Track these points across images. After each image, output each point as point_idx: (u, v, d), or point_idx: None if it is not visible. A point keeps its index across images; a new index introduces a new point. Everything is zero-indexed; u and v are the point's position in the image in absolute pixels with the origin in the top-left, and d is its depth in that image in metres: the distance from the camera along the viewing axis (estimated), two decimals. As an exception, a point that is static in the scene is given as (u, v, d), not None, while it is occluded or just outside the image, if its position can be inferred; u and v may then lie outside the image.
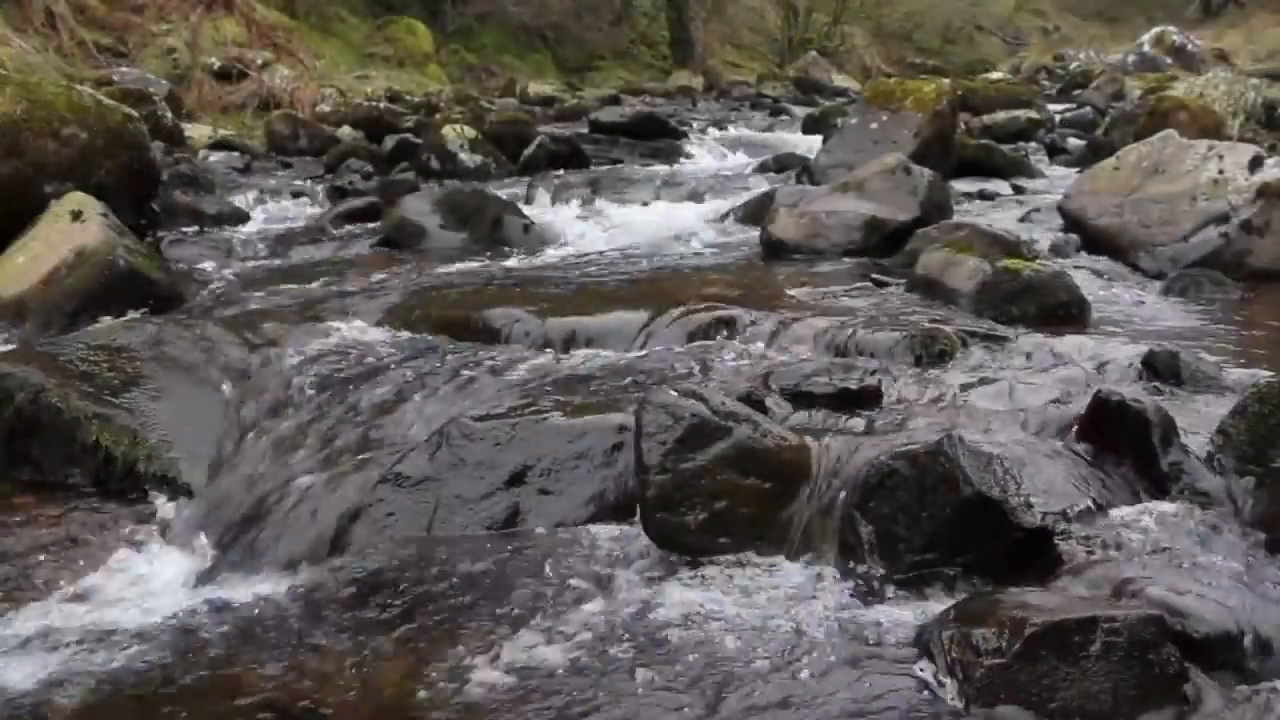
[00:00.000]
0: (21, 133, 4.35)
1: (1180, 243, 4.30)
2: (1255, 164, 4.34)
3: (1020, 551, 2.01)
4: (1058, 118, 10.72)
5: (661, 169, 7.80)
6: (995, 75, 19.26)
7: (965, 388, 2.81)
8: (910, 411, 2.68)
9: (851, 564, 2.10)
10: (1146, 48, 20.13)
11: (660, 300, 3.71)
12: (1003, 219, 5.13)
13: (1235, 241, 4.20)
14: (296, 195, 6.59)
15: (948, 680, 1.70)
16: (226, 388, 3.09)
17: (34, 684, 1.88)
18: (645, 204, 6.17)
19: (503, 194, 5.96)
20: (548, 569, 2.15)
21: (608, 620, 1.96)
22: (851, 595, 2.00)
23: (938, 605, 1.92)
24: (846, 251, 4.57)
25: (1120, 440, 2.36)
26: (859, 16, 27.97)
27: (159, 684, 1.86)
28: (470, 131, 7.66)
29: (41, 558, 2.38)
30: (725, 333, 3.35)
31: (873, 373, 2.82)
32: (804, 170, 6.66)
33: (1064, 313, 3.55)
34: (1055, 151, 8.40)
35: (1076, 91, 15.23)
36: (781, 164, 7.45)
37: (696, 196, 6.34)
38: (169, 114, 8.44)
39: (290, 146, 8.78)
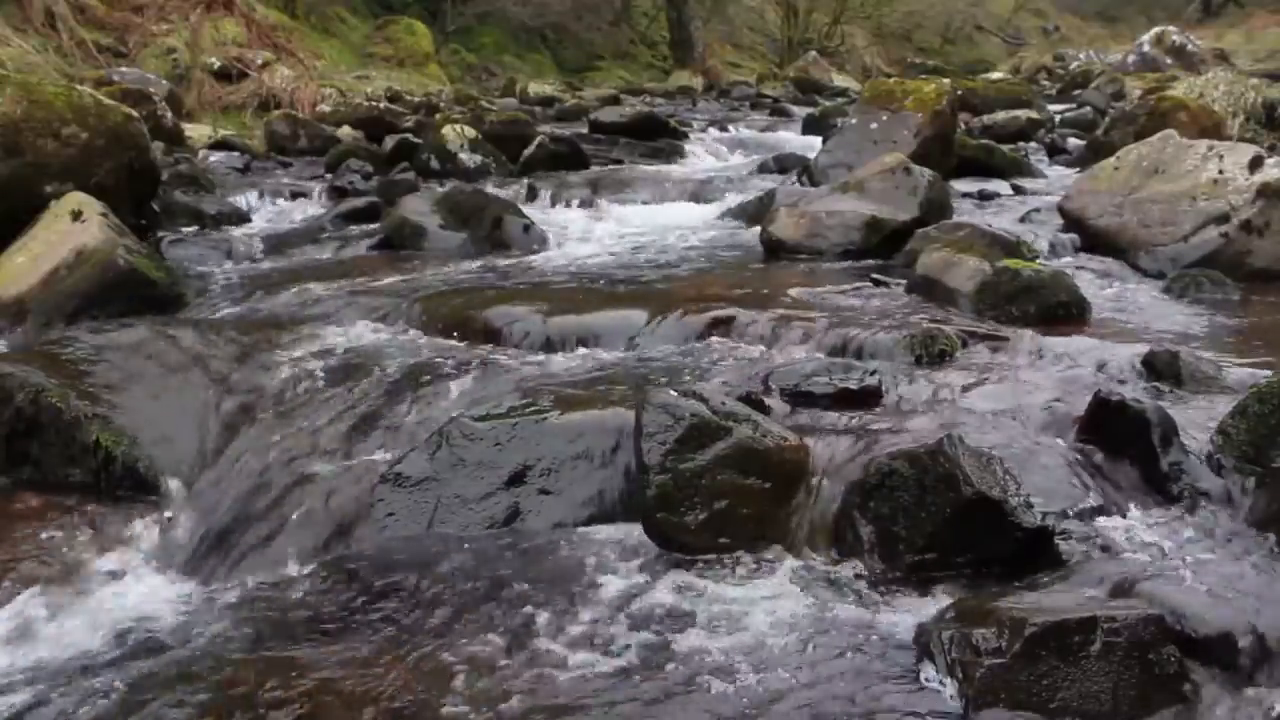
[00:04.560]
0: (22, 133, 4.34)
1: (1180, 243, 4.30)
2: (1255, 164, 4.34)
3: (1020, 551, 2.02)
4: (1058, 118, 10.71)
5: (661, 169, 7.80)
6: (995, 75, 19.25)
7: (965, 388, 2.81)
8: (910, 411, 2.68)
9: (851, 564, 2.10)
10: (1146, 48, 20.10)
11: (660, 300, 3.71)
12: (1003, 219, 5.13)
13: (1235, 241, 4.20)
14: (296, 195, 6.58)
15: (948, 680, 1.70)
16: (226, 387, 3.09)
17: (33, 682, 1.88)
18: (645, 204, 6.17)
19: (503, 194, 5.96)
20: (547, 569, 2.15)
21: (607, 620, 1.97)
22: (851, 595, 2.00)
23: (938, 605, 1.93)
24: (846, 251, 4.57)
25: (1120, 440, 2.36)
26: (859, 16, 27.95)
27: (158, 682, 1.86)
28: (470, 131, 7.65)
29: (41, 557, 2.38)
30: (725, 333, 3.35)
31: (873, 373, 2.83)
32: (804, 170, 6.65)
33: (1064, 313, 3.55)
34: (1055, 151, 8.39)
35: (1076, 91, 15.21)
36: (781, 164, 7.44)
37: (696, 196, 6.34)
38: (169, 114, 8.42)
39: (290, 146, 8.77)
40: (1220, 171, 4.36)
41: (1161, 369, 2.85)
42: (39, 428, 2.74)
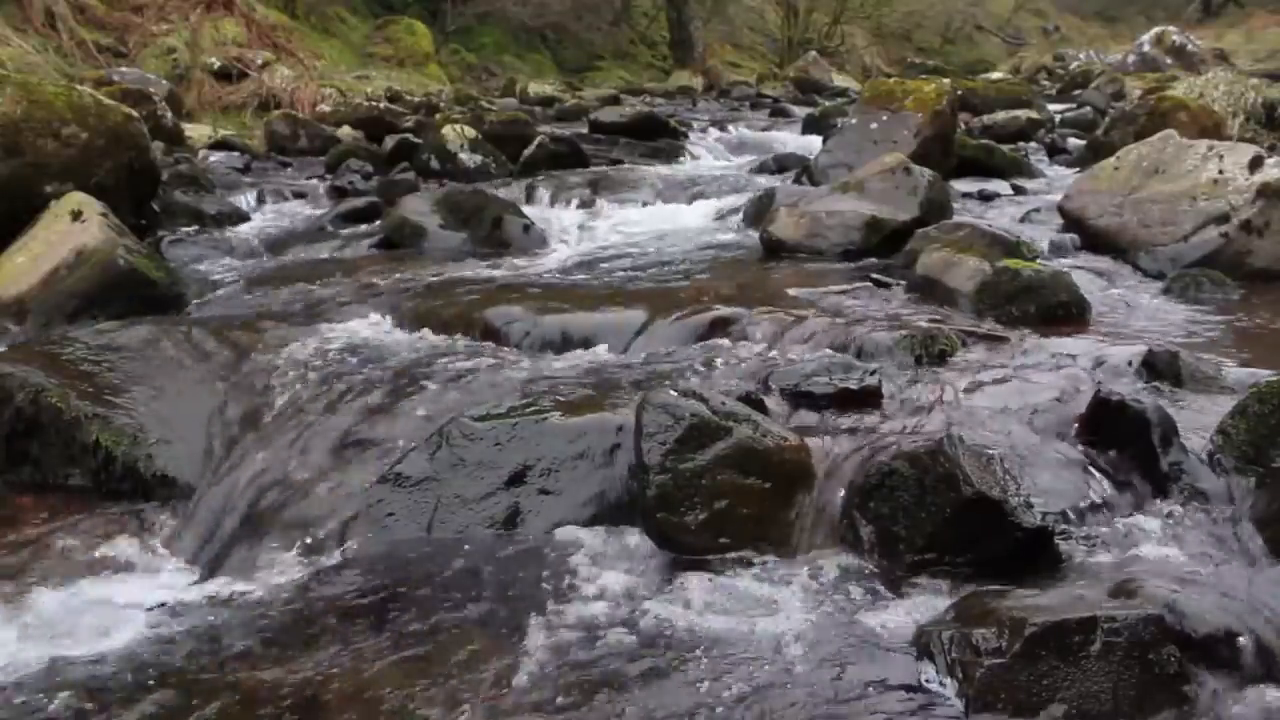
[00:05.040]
0: (21, 133, 4.34)
1: (1180, 243, 4.29)
2: (1255, 164, 4.33)
3: (1020, 551, 2.02)
4: (1058, 118, 10.71)
5: (661, 169, 7.79)
6: (995, 75, 19.26)
7: (965, 388, 2.81)
8: (910, 411, 2.68)
9: (851, 564, 2.10)
10: (1146, 48, 20.11)
11: (660, 300, 3.71)
12: (1003, 219, 5.13)
13: (1235, 241, 4.20)
14: (296, 195, 6.58)
15: (948, 680, 1.70)
16: (226, 388, 3.09)
17: (33, 683, 1.88)
18: (645, 204, 6.17)
19: (503, 194, 5.95)
20: (547, 569, 2.15)
21: (607, 620, 1.97)
22: (851, 595, 2.01)
23: (938, 605, 1.93)
24: (846, 251, 4.57)
25: (1120, 440, 2.36)
26: (859, 16, 27.94)
27: (157, 683, 1.86)
28: (470, 131, 7.65)
29: (41, 558, 2.38)
30: (725, 333, 3.35)
31: (873, 373, 2.83)
32: (804, 170, 6.65)
33: (1064, 313, 3.54)
34: (1055, 151, 8.39)
35: (1076, 91, 15.22)
36: (781, 164, 7.44)
37: (696, 196, 6.33)
38: (169, 114, 8.43)
39: (290, 146, 8.77)
40: (1220, 171, 4.36)
41: (1161, 369, 2.85)
42: (39, 428, 2.74)
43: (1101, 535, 2.13)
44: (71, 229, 4.02)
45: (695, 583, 2.07)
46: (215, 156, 8.07)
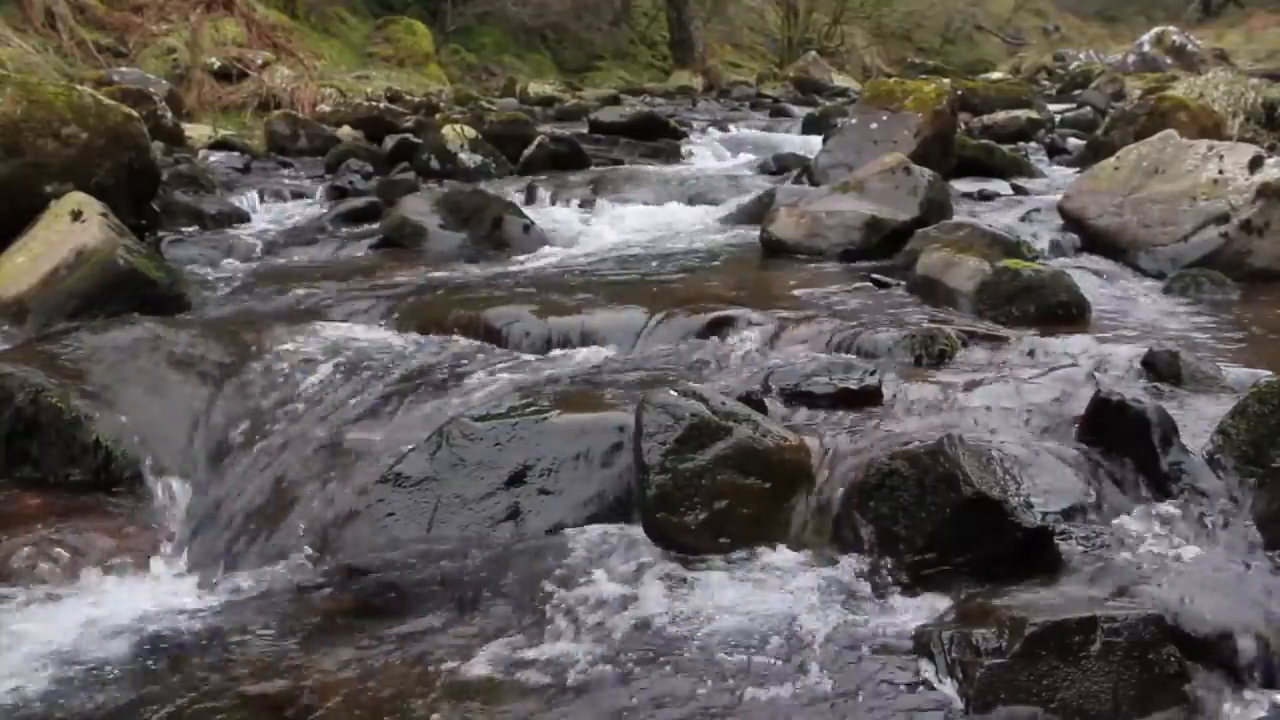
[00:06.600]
0: (21, 132, 4.34)
1: (1180, 243, 4.29)
2: (1255, 164, 4.33)
3: (1020, 551, 2.02)
4: (1058, 118, 10.71)
5: (661, 169, 7.79)
6: (995, 75, 19.26)
7: (965, 388, 2.81)
8: (910, 411, 2.68)
9: (852, 564, 2.10)
10: (1146, 48, 20.11)
11: (660, 300, 3.71)
12: (1003, 219, 5.12)
13: (1235, 241, 4.20)
14: (296, 195, 6.58)
15: (948, 680, 1.70)
16: (226, 387, 3.09)
17: (34, 683, 1.88)
18: (645, 204, 6.16)
19: (503, 194, 5.95)
20: (547, 569, 2.15)
21: (607, 620, 1.97)
22: (851, 595, 2.00)
23: (938, 605, 1.93)
24: (846, 251, 4.57)
25: (1120, 440, 2.36)
26: (859, 16, 27.93)
27: (157, 683, 1.86)
28: (470, 131, 7.65)
29: (41, 557, 2.38)
30: (725, 333, 3.35)
31: (873, 373, 2.82)
32: (804, 170, 6.65)
33: (1064, 313, 3.55)
34: (1055, 151, 8.39)
35: (1076, 91, 15.22)
36: (781, 164, 7.43)
37: (696, 196, 6.33)
38: (169, 114, 8.42)
39: (290, 146, 8.76)
40: (1220, 171, 4.36)
41: (1161, 369, 2.85)
42: (39, 428, 2.74)
43: (1101, 535, 2.13)
44: (71, 229, 4.02)
45: (695, 583, 2.07)
46: (215, 156, 8.06)
